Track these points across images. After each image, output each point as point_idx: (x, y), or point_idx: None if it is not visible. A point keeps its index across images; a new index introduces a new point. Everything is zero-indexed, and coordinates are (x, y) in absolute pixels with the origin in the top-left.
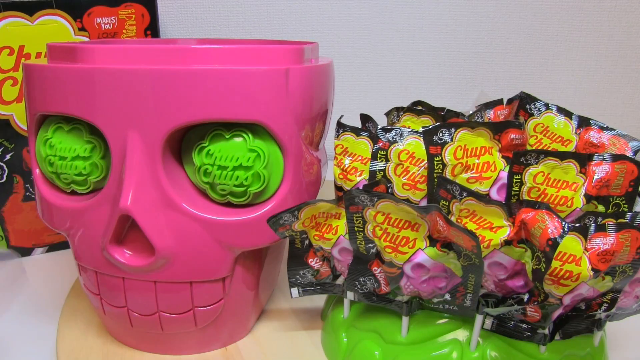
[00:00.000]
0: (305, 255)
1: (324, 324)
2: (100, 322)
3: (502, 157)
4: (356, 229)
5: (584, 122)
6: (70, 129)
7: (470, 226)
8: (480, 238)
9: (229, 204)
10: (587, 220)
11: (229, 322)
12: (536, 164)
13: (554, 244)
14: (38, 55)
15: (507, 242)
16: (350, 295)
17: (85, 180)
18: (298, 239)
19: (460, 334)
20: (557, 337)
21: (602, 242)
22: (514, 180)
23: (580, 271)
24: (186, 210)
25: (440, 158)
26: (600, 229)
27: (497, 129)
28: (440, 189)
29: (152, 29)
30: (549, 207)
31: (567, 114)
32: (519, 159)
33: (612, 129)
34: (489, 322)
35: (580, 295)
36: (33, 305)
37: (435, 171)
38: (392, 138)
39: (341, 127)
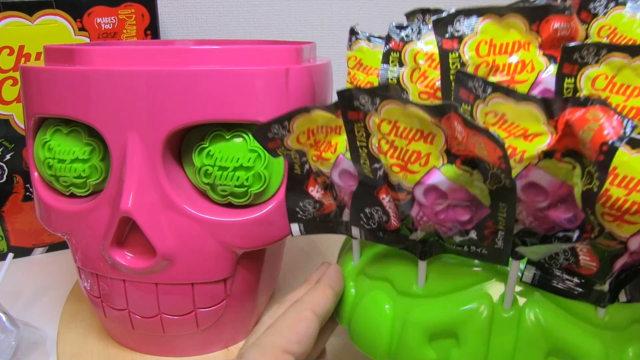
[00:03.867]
0: (305, 183)
1: None
2: (101, 324)
3: (544, 54)
4: (358, 143)
5: None
6: (69, 132)
7: (500, 135)
8: (510, 150)
9: (229, 205)
10: None
11: (231, 323)
12: (596, 62)
13: (609, 149)
14: (38, 55)
15: (548, 155)
16: (355, 232)
17: (85, 183)
18: (297, 162)
19: (493, 288)
20: (622, 297)
21: None
22: (565, 86)
23: None
24: (187, 211)
25: (457, 54)
26: None
27: (534, 15)
28: (459, 87)
29: (152, 29)
30: (604, 102)
31: None
32: (572, 55)
33: None
34: (529, 274)
35: None
36: (33, 307)
37: (452, 72)
38: (408, 37)
39: (354, 34)
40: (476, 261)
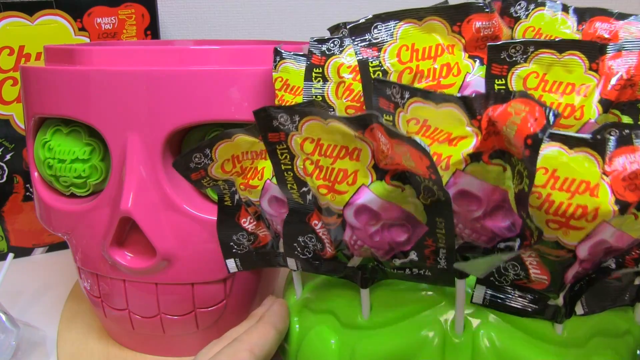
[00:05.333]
0: (237, 215)
1: None
2: (101, 324)
3: (469, 57)
4: (283, 166)
5: (586, 14)
6: (69, 132)
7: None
8: (435, 157)
9: None
10: (606, 134)
11: (231, 323)
12: (525, 60)
13: (534, 142)
14: (38, 55)
15: (475, 158)
16: (291, 263)
17: (85, 183)
18: (227, 192)
19: (444, 312)
20: (579, 310)
21: (629, 160)
22: (496, 88)
23: (598, 205)
24: (187, 211)
25: (378, 62)
26: (625, 141)
27: (454, 16)
28: (378, 96)
29: (152, 29)
30: (526, 94)
31: (563, 9)
32: (499, 54)
33: (626, 15)
34: (479, 294)
35: (603, 243)
36: (33, 307)
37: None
38: (330, 50)
39: (278, 54)
40: (423, 284)
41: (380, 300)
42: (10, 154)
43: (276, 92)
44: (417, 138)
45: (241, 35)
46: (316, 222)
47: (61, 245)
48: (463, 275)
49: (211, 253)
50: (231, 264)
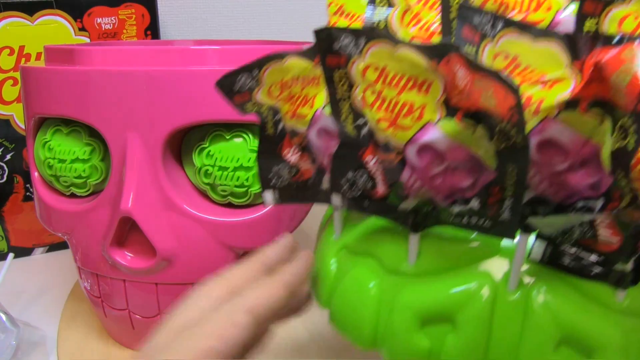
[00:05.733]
0: (279, 145)
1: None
2: (101, 324)
3: None
4: (339, 95)
5: None
6: (69, 132)
7: None
8: (524, 99)
9: (229, 205)
10: None
11: None
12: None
13: None
14: (38, 55)
15: (571, 105)
16: (336, 200)
17: (85, 183)
18: (270, 120)
19: (496, 266)
20: None
21: None
22: (586, 28)
23: None
24: (187, 211)
25: None
26: None
27: None
28: (462, 24)
29: (152, 29)
30: None
31: None
32: None
33: None
34: (538, 250)
35: None
36: (33, 307)
37: (453, 10)
38: None
39: None
40: (476, 236)
41: (429, 247)
42: (11, 154)
43: (330, 16)
44: (506, 74)
45: (241, 35)
46: (370, 157)
47: (61, 245)
48: (528, 229)
49: (211, 253)
50: (269, 196)
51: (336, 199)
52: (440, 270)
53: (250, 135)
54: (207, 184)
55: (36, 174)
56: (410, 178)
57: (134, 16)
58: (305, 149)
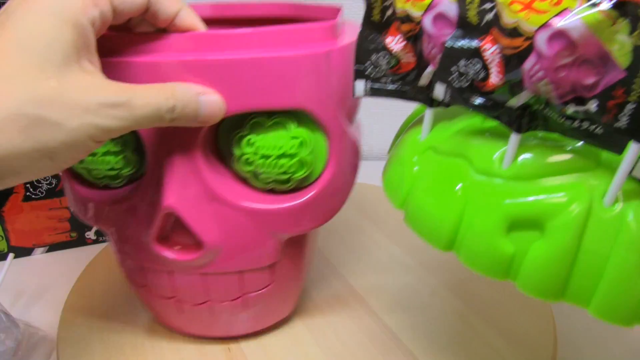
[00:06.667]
0: (383, 32)
1: (389, 156)
2: (102, 324)
3: None
4: None
5: None
6: None
7: None
8: None
9: (272, 191)
10: None
11: (279, 299)
12: None
13: None
14: None
15: None
16: (439, 90)
17: (118, 175)
18: (378, 5)
19: (594, 179)
20: None
21: None
22: None
23: None
24: (230, 201)
25: None
26: None
27: None
28: None
29: None
30: None
31: None
32: None
33: None
34: None
35: None
36: (33, 307)
37: None
38: None
39: None
40: (577, 147)
41: (527, 151)
42: None
43: None
44: None
45: None
46: (488, 46)
47: (61, 245)
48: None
49: (256, 240)
50: (360, 85)
51: (440, 89)
52: (535, 176)
53: (292, 121)
54: (249, 172)
55: None
56: (533, 68)
57: None
58: (411, 39)
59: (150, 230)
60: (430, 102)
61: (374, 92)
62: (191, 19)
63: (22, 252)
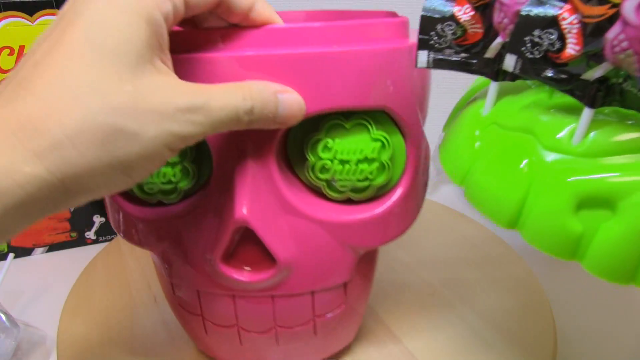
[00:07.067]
0: (452, 0)
1: (445, 132)
2: (102, 324)
3: None
4: None
5: None
6: None
7: None
8: None
9: (348, 201)
10: None
11: (349, 325)
12: None
13: None
14: None
15: None
16: (510, 61)
17: (175, 189)
18: None
19: None
20: None
21: None
22: None
23: None
24: (305, 213)
25: None
26: None
27: None
28: None
29: None
30: None
31: None
32: None
33: None
34: None
35: None
36: (33, 307)
37: None
38: None
39: None
40: None
41: (599, 127)
42: None
43: None
44: None
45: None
46: (568, 15)
47: (61, 245)
48: None
49: (332, 255)
50: (423, 57)
51: (510, 60)
52: (607, 153)
53: (372, 123)
54: (324, 180)
55: None
56: (617, 37)
57: None
58: (480, 8)
59: (215, 248)
60: (496, 75)
61: (436, 64)
62: (268, 12)
63: (22, 252)
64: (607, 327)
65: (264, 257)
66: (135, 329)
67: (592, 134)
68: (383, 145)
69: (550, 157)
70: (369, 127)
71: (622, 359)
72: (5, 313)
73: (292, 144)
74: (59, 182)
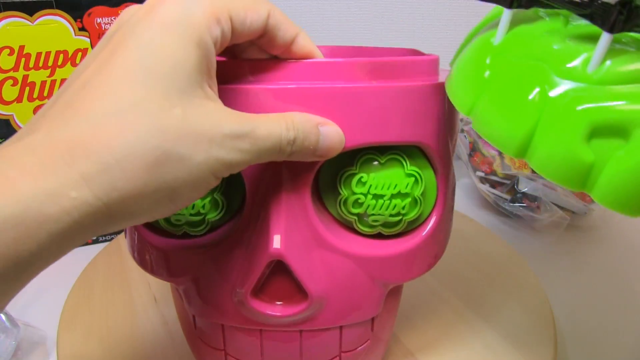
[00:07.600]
0: None
1: (454, 65)
2: (102, 324)
3: None
4: None
5: None
6: None
7: None
8: None
9: (377, 235)
10: None
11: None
12: None
13: None
14: (38, 55)
15: None
16: None
17: (203, 220)
18: None
19: None
20: None
21: None
22: None
23: None
24: (337, 247)
25: None
26: None
27: None
28: None
29: None
30: None
31: None
32: None
33: None
34: None
35: None
36: (33, 307)
37: None
38: None
39: None
40: None
41: (616, 54)
42: None
43: None
44: None
45: None
46: None
47: None
48: None
49: (362, 290)
50: None
51: None
52: (624, 81)
53: (406, 158)
54: (356, 214)
55: None
56: None
57: None
58: None
59: (246, 282)
60: (510, 3)
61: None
62: (309, 46)
63: None
64: (607, 327)
65: (294, 291)
66: (135, 329)
67: (608, 62)
68: (416, 181)
69: (564, 84)
70: (403, 162)
71: (622, 359)
72: (5, 313)
73: (323, 177)
74: (104, 207)
